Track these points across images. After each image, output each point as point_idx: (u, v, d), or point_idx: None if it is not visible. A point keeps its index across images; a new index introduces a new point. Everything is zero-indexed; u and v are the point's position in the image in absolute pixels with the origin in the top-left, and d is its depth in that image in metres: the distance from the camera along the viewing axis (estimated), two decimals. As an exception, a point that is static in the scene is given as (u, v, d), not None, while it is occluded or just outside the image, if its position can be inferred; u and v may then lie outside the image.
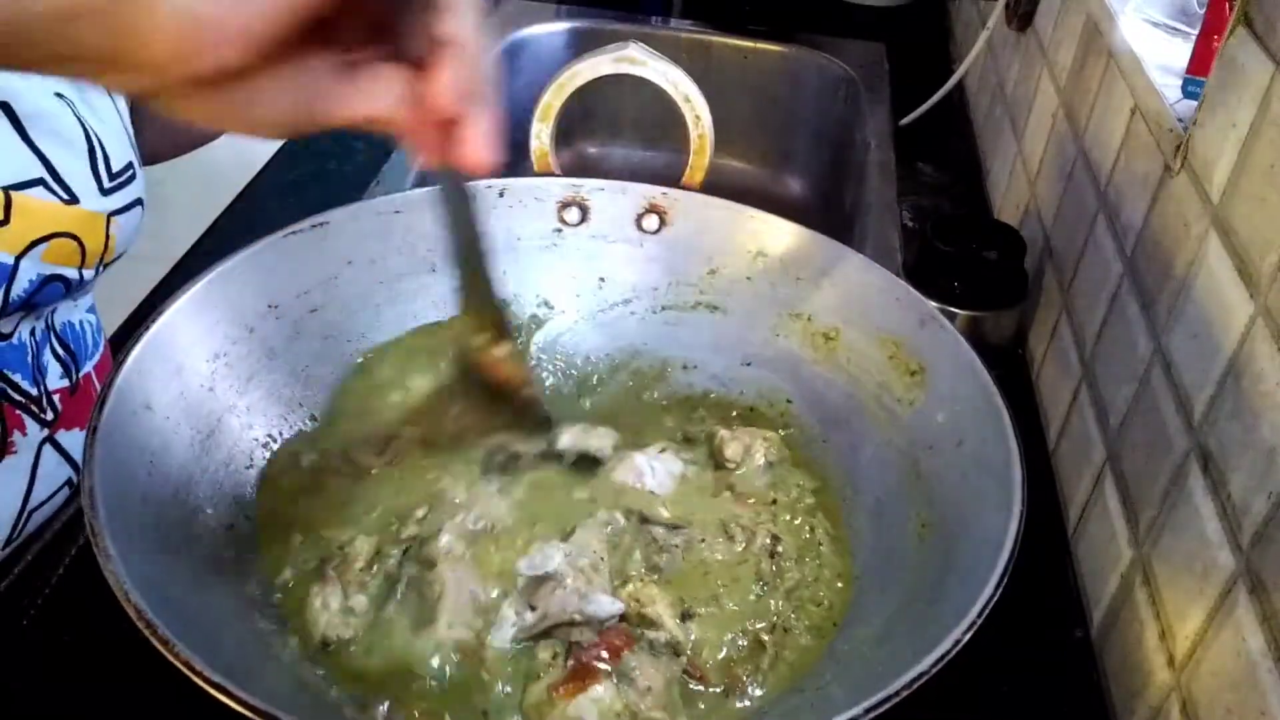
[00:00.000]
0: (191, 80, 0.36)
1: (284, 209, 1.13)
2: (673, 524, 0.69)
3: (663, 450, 0.74)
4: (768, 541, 0.68)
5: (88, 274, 0.74)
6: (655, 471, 0.72)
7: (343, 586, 0.61)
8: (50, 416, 0.77)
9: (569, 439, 0.72)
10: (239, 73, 0.37)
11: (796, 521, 0.71)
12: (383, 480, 0.69)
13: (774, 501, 0.73)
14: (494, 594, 0.62)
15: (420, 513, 0.66)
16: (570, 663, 0.58)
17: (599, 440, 0.73)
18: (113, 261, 0.77)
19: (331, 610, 0.60)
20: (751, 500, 0.72)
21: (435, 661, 0.59)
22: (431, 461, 0.70)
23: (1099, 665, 0.74)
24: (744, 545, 0.68)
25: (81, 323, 0.82)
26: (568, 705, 0.56)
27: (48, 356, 0.77)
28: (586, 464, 0.73)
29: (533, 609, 0.61)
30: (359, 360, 0.77)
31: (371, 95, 0.42)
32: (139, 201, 0.78)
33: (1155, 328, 0.73)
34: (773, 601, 0.65)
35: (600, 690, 0.57)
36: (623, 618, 0.62)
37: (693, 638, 0.62)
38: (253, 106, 0.39)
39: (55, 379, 0.77)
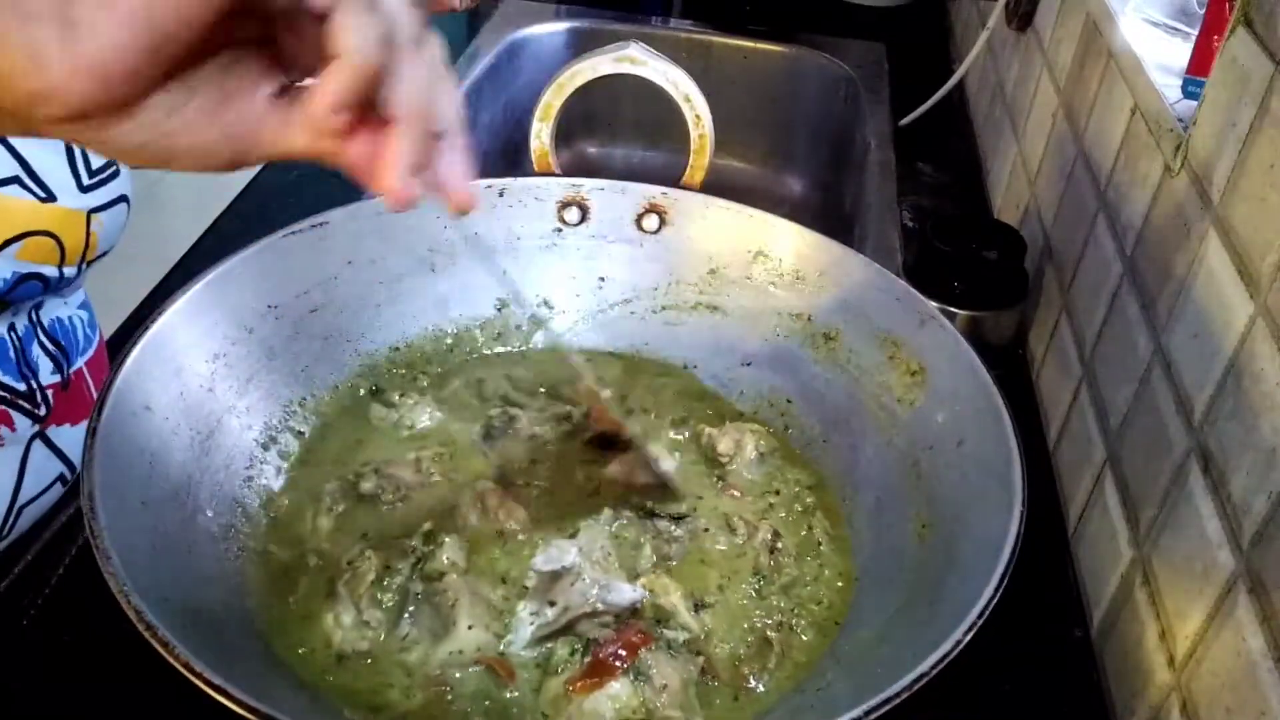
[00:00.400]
0: (63, 118, 0.35)
1: (284, 209, 1.13)
2: (677, 515, 0.70)
3: (656, 459, 0.74)
4: (768, 537, 0.69)
5: (69, 271, 0.73)
6: (633, 476, 0.72)
7: (354, 602, 0.61)
8: (43, 412, 0.76)
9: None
10: (123, 106, 0.36)
11: (794, 519, 0.72)
12: (395, 499, 0.69)
13: (777, 493, 0.74)
14: (506, 597, 0.62)
15: (426, 526, 0.66)
16: (588, 659, 0.58)
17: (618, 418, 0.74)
18: (97, 259, 0.76)
19: (345, 626, 0.60)
20: (750, 494, 0.73)
21: (457, 669, 0.59)
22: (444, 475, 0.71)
23: (1099, 665, 0.74)
24: (745, 539, 0.69)
25: (71, 319, 0.81)
26: (584, 701, 0.57)
27: (36, 352, 0.76)
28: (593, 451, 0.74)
29: (552, 604, 0.61)
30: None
31: (302, 125, 0.40)
32: (124, 198, 0.77)
33: (1155, 328, 0.73)
34: (772, 598, 0.66)
35: (617, 687, 0.57)
36: (637, 610, 0.62)
37: (707, 628, 0.63)
38: (174, 139, 0.38)
39: (46, 374, 0.77)
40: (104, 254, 0.77)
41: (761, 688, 0.60)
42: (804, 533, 0.70)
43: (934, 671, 0.49)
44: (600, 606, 0.61)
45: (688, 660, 0.60)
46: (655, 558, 0.66)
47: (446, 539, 0.64)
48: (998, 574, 0.54)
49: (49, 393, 0.77)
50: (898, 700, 0.48)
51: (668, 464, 0.73)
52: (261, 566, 0.64)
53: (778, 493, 0.74)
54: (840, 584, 0.68)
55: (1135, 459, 0.73)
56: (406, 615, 0.61)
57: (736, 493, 0.73)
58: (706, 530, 0.69)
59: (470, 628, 0.60)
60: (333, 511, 0.68)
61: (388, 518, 0.68)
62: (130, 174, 0.79)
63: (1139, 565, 0.70)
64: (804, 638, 0.64)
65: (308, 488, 0.70)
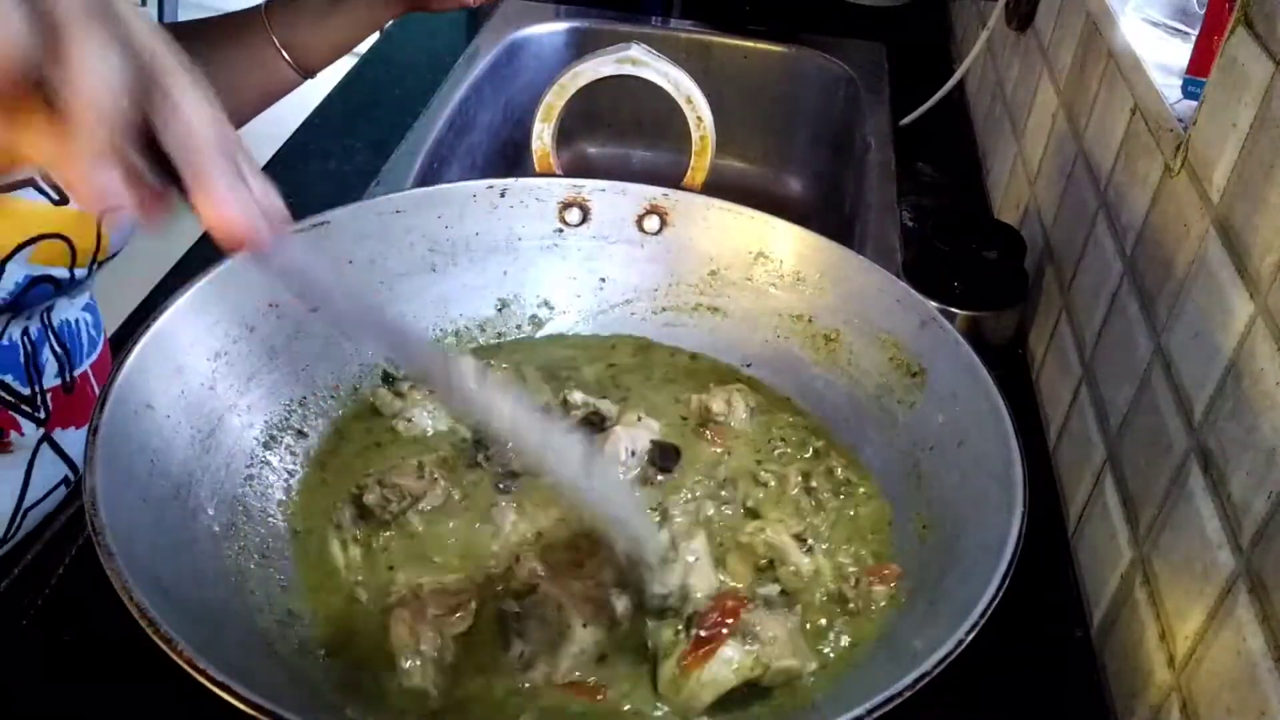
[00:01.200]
0: None
1: (284, 209, 1.13)
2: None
3: (639, 419, 0.75)
4: (799, 479, 0.71)
5: (80, 273, 0.73)
6: (639, 439, 0.74)
7: (438, 633, 0.60)
8: (42, 415, 0.76)
9: (580, 396, 0.75)
10: None
11: (808, 460, 0.74)
12: (421, 518, 0.69)
13: (783, 440, 0.75)
14: (599, 583, 0.62)
15: (495, 547, 0.66)
16: (693, 633, 0.59)
17: (605, 405, 0.76)
18: (108, 259, 0.76)
19: (430, 677, 0.58)
20: (757, 446, 0.75)
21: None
22: (452, 482, 0.71)
23: (1099, 665, 0.74)
24: (779, 485, 0.71)
25: (77, 321, 0.81)
26: (701, 673, 0.57)
27: (46, 355, 0.76)
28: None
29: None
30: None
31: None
32: None
33: (1155, 328, 0.73)
34: (829, 539, 0.68)
35: (730, 651, 0.58)
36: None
37: (824, 575, 0.65)
38: None
39: (50, 377, 0.77)
40: (115, 254, 0.77)
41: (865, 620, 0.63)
42: (826, 472, 0.72)
43: (935, 671, 0.49)
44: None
45: (788, 612, 0.61)
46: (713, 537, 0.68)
47: (521, 553, 0.64)
48: (999, 574, 0.54)
49: (48, 396, 0.77)
50: (899, 700, 0.48)
51: (653, 425, 0.75)
52: (323, 618, 0.62)
53: (784, 440, 0.75)
54: (877, 507, 0.71)
55: (1135, 459, 0.74)
56: (514, 635, 0.60)
57: (738, 446, 0.75)
58: (728, 484, 0.71)
59: (585, 625, 0.60)
60: (357, 541, 0.67)
61: (426, 544, 0.67)
62: None
63: (1139, 565, 0.70)
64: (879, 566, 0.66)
65: (322, 508, 0.69)
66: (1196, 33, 0.80)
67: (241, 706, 0.45)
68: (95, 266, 0.75)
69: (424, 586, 0.63)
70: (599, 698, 0.59)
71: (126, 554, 0.50)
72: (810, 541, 0.67)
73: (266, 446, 0.70)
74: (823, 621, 0.63)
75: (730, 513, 0.69)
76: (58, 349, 0.77)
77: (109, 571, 0.49)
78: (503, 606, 0.62)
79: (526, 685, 0.59)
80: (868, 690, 0.49)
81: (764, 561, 0.66)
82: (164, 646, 0.46)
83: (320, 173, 1.21)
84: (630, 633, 0.61)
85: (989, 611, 0.52)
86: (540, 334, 0.84)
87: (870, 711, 0.48)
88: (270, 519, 0.67)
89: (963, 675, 0.50)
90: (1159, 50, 0.85)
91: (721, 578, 0.65)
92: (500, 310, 0.84)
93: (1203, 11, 0.80)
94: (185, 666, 0.46)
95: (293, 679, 0.57)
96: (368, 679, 0.58)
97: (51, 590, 0.69)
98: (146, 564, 0.52)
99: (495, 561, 0.65)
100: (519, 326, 0.84)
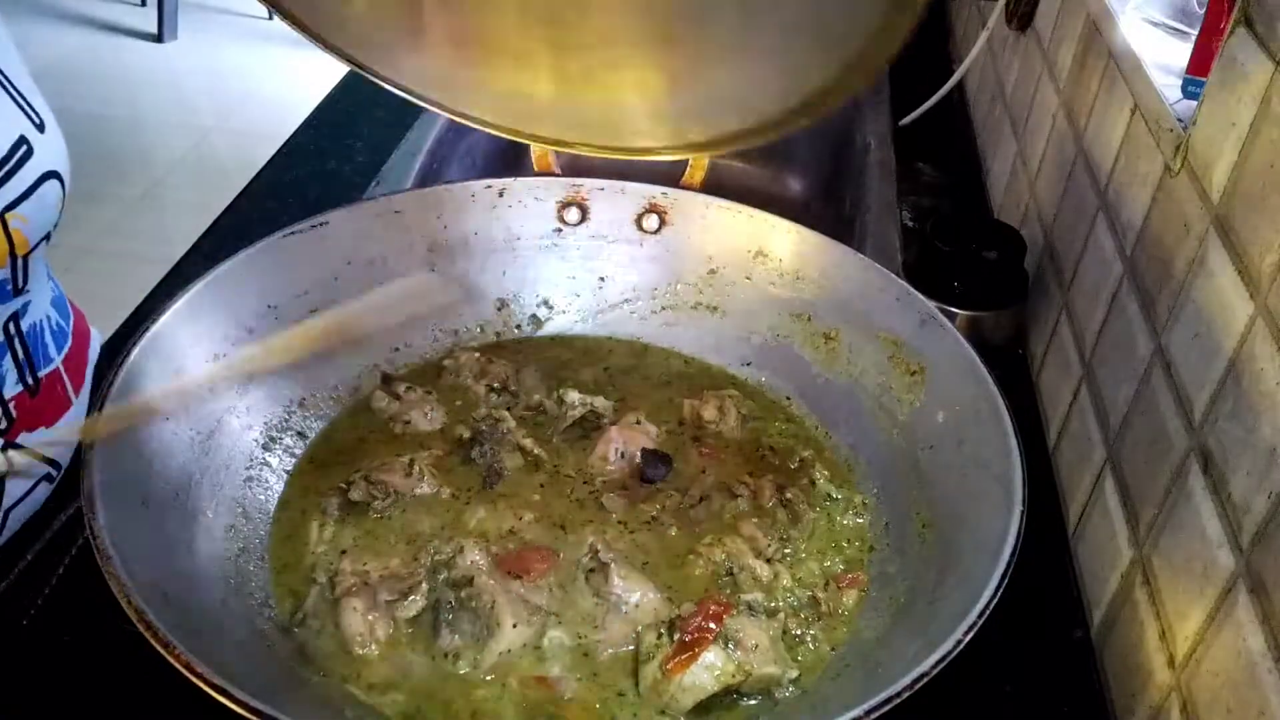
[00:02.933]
0: None
1: (284, 209, 1.13)
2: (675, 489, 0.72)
3: (638, 422, 0.75)
4: (774, 491, 0.71)
5: (1, 274, 0.67)
6: (631, 442, 0.74)
7: (390, 618, 0.61)
8: (3, 425, 0.74)
9: (576, 396, 0.76)
10: None
11: (793, 472, 0.74)
12: (400, 508, 0.69)
13: (771, 449, 0.75)
14: (541, 597, 0.63)
15: (436, 544, 0.66)
16: (676, 638, 0.59)
17: (601, 403, 0.76)
18: (33, 250, 0.69)
19: (373, 648, 0.60)
20: (744, 456, 0.75)
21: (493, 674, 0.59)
22: (443, 481, 0.71)
23: (1099, 665, 0.74)
24: (751, 497, 0.71)
25: (39, 324, 0.77)
26: (683, 677, 0.58)
27: (6, 365, 0.73)
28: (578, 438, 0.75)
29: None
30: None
31: None
32: (50, 175, 0.69)
33: (1155, 328, 0.73)
34: (803, 552, 0.68)
35: (711, 657, 0.58)
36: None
37: (784, 583, 0.66)
38: None
39: (10, 386, 0.74)
40: (45, 239, 0.71)
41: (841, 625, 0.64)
42: (808, 484, 0.72)
43: (934, 671, 0.49)
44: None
45: (768, 618, 0.62)
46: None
47: (465, 544, 0.64)
48: (998, 574, 0.54)
49: (11, 405, 0.74)
50: (898, 700, 0.48)
51: (650, 430, 0.75)
52: (281, 590, 0.64)
53: (772, 448, 0.75)
54: (860, 519, 0.71)
55: (1135, 459, 0.73)
56: (445, 625, 0.60)
57: (728, 456, 0.75)
58: (704, 500, 0.70)
59: (515, 625, 0.60)
60: (337, 525, 0.68)
61: (391, 530, 0.68)
62: (59, 144, 0.71)
63: (1139, 565, 0.70)
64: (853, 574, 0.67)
65: (312, 497, 0.70)
66: (1196, 33, 0.80)
67: (239, 710, 0.45)
68: (20, 262, 0.69)
69: (371, 573, 0.63)
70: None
71: (125, 557, 0.50)
72: (771, 551, 0.67)
73: (266, 448, 0.70)
74: (797, 630, 0.63)
75: (701, 526, 0.70)
76: (20, 356, 0.74)
77: (107, 575, 0.49)
78: (439, 595, 0.62)
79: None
80: (865, 691, 0.49)
81: (724, 571, 0.66)
82: (162, 650, 0.46)
83: (320, 173, 1.20)
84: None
85: (988, 611, 0.52)
86: (540, 333, 0.84)
87: (868, 712, 0.48)
88: (270, 521, 0.67)
89: (962, 675, 0.50)
90: (1159, 50, 0.85)
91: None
92: (500, 310, 0.84)
93: (1203, 11, 0.80)
94: (183, 670, 0.46)
95: (293, 681, 0.57)
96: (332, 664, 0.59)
97: (51, 590, 0.69)
98: (145, 567, 0.52)
99: (438, 549, 0.65)
100: (518, 326, 0.84)
